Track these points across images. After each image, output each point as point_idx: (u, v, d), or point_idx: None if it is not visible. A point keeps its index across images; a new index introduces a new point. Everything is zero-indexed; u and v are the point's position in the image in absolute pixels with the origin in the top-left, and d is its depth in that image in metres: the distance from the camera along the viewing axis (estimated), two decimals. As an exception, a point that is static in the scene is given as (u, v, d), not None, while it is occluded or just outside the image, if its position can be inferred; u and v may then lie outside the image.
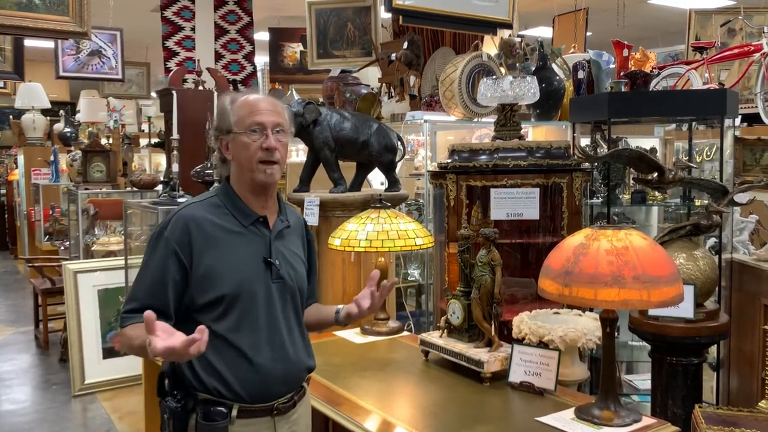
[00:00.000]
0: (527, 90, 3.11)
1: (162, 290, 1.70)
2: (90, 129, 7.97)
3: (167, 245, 1.71)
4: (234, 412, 1.71)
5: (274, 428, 1.77)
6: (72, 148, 7.36)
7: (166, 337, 1.48)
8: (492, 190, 3.01)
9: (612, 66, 4.00)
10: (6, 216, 11.76)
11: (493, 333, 2.32)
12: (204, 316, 1.70)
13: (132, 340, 1.65)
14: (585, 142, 3.78)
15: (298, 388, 1.85)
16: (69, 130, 8.78)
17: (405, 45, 4.19)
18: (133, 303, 1.71)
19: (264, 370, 1.73)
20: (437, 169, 3.26)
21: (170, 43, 5.63)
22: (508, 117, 3.20)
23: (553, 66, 4.27)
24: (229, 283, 1.71)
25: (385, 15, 4.82)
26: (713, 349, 3.19)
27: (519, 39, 3.55)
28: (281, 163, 1.78)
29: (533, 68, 4.05)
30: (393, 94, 4.31)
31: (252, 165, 1.75)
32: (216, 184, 2.07)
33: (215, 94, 4.27)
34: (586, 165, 3.18)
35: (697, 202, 3.42)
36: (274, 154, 1.75)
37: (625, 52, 3.66)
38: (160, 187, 4.82)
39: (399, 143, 3.50)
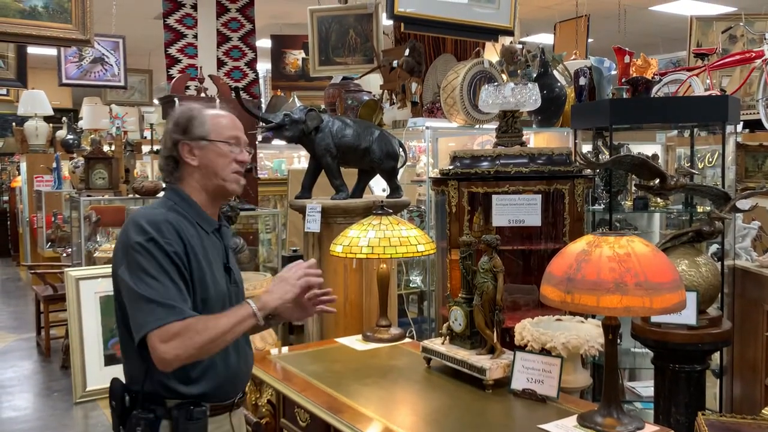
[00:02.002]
0: (529, 96, 3.11)
1: (184, 294, 1.70)
2: (92, 136, 8.00)
3: (171, 250, 1.69)
4: (207, 411, 1.79)
5: (230, 421, 1.86)
6: (74, 155, 7.38)
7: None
8: (494, 197, 3.00)
9: (613, 72, 4.00)
10: (8, 223, 11.78)
11: (495, 340, 2.32)
12: None
13: (218, 320, 1.66)
14: (587, 148, 3.78)
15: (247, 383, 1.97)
16: (71, 137, 8.80)
17: (406, 52, 4.20)
18: (173, 312, 1.64)
19: (234, 370, 1.82)
20: (439, 176, 3.26)
21: (173, 51, 5.65)
22: (509, 123, 3.20)
23: (555, 73, 4.27)
24: (209, 288, 1.77)
25: (386, 22, 4.83)
26: (716, 356, 3.17)
27: (520, 46, 3.57)
28: None
29: (534, 75, 4.06)
30: (395, 101, 4.32)
31: (226, 174, 1.81)
32: (161, 194, 2.07)
33: (217, 101, 4.28)
34: (588, 171, 3.18)
35: (699, 209, 3.42)
36: (244, 168, 1.86)
37: (627, 59, 3.66)
38: (161, 194, 4.82)
39: (401, 150, 3.51)
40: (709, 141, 4.39)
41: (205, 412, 1.75)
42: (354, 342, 2.90)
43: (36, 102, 8.93)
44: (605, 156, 3.49)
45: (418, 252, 2.84)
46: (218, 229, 1.88)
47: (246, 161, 1.84)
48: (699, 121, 3.47)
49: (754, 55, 4.21)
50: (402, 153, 3.53)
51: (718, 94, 3.62)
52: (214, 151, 1.80)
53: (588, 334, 2.41)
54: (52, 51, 7.66)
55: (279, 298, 1.73)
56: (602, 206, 3.50)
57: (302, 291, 1.76)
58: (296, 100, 6.38)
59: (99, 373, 4.69)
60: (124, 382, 1.80)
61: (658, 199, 3.37)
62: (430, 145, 4.18)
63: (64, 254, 6.94)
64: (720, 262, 3.14)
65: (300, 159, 7.34)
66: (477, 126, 4.10)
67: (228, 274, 1.85)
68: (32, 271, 6.76)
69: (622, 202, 3.55)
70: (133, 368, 1.77)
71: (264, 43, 8.00)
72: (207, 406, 1.77)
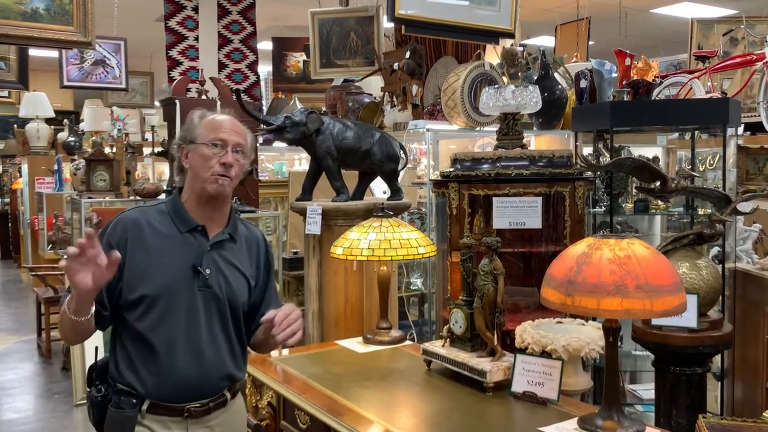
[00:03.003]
0: (530, 99, 3.11)
1: None
2: (93, 138, 8.01)
3: (105, 244, 1.74)
4: (144, 406, 1.81)
5: (186, 429, 1.84)
6: (75, 157, 7.39)
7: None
8: (494, 199, 3.00)
9: (614, 75, 4.00)
10: (9, 225, 11.79)
11: (495, 342, 2.31)
12: (129, 314, 1.81)
13: (65, 305, 1.73)
14: (587, 151, 3.78)
15: (215, 395, 1.88)
16: (73, 139, 8.81)
17: (407, 54, 4.21)
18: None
19: (175, 372, 1.80)
20: (440, 178, 3.26)
21: (174, 53, 5.65)
22: (510, 126, 3.20)
23: (556, 75, 4.28)
24: (152, 285, 1.80)
25: (387, 25, 4.84)
26: (717, 358, 3.17)
27: (521, 48, 3.57)
28: (234, 180, 1.88)
29: (535, 77, 4.06)
30: (395, 104, 4.32)
31: (206, 175, 1.83)
32: (162, 196, 2.19)
33: (219, 103, 4.28)
34: (589, 174, 3.18)
35: (700, 211, 3.41)
36: (230, 171, 1.85)
37: (628, 61, 3.66)
38: (163, 196, 4.83)
39: (401, 152, 3.51)
40: (710, 144, 4.38)
41: (135, 405, 1.79)
42: (354, 344, 2.90)
43: (37, 104, 8.95)
44: (606, 158, 3.49)
45: (418, 254, 2.84)
46: (197, 229, 1.87)
47: (228, 162, 1.83)
48: (700, 124, 3.47)
49: (755, 57, 4.21)
50: (402, 155, 3.53)
51: (719, 96, 3.61)
52: (198, 153, 1.85)
53: (588, 337, 2.41)
54: (53, 53, 7.66)
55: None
56: (603, 209, 3.50)
57: (79, 258, 1.60)
58: (297, 102, 6.38)
59: (99, 375, 4.68)
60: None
61: (659, 202, 3.37)
62: (431, 148, 4.18)
63: (65, 256, 6.93)
64: (721, 265, 3.14)
65: (301, 161, 7.34)
66: (477, 128, 4.10)
67: (197, 275, 1.83)
68: (33, 273, 6.76)
69: (623, 205, 3.54)
70: (111, 349, 1.90)
71: (265, 45, 8.01)
72: (143, 401, 1.80)
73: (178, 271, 1.82)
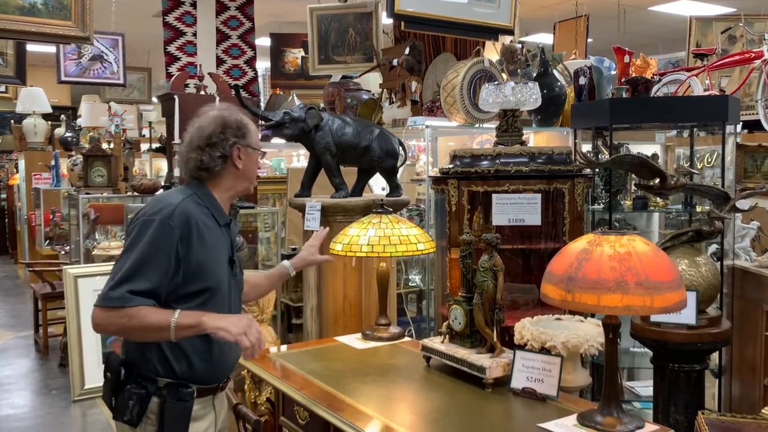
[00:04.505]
0: (529, 95, 3.11)
1: (165, 275, 1.82)
2: (91, 134, 7.99)
3: (172, 234, 1.82)
4: (195, 392, 1.92)
5: (213, 404, 2.01)
6: (73, 153, 7.36)
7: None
8: (494, 196, 3.00)
9: (613, 72, 4.00)
10: (6, 220, 11.76)
11: (495, 339, 2.32)
12: (184, 305, 1.85)
13: (145, 318, 1.77)
14: (586, 148, 3.78)
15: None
16: (70, 134, 8.78)
17: (406, 51, 4.20)
18: (138, 282, 1.78)
19: (225, 356, 1.97)
20: (439, 175, 3.26)
21: (172, 48, 5.63)
22: (509, 123, 3.20)
23: (554, 72, 4.27)
24: (212, 277, 1.91)
25: (386, 21, 4.82)
26: (715, 355, 3.18)
27: (520, 45, 3.56)
28: None
29: (534, 74, 4.06)
30: (394, 100, 4.31)
31: (253, 178, 2.07)
32: (178, 185, 2.25)
33: (217, 98, 4.27)
34: (588, 171, 3.18)
35: (699, 209, 3.42)
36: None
37: (626, 59, 3.66)
38: (160, 191, 4.81)
39: (400, 148, 3.50)
40: (708, 142, 4.39)
41: (192, 394, 1.90)
42: (353, 340, 2.90)
43: (35, 99, 8.92)
44: (605, 156, 3.49)
45: (417, 251, 2.84)
46: (228, 224, 2.03)
47: (261, 167, 2.06)
48: (699, 121, 3.48)
49: (753, 55, 4.21)
50: (402, 152, 3.52)
51: (718, 94, 3.62)
52: (253, 158, 2.05)
53: (588, 334, 2.41)
54: (51, 48, 7.65)
55: (217, 327, 1.79)
56: (602, 206, 3.50)
57: (235, 340, 1.79)
58: (295, 98, 6.37)
59: (97, 371, 4.68)
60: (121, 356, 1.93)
61: (658, 199, 3.37)
62: (430, 144, 4.18)
63: (63, 252, 6.93)
64: (719, 262, 3.15)
65: (299, 157, 7.34)
66: (477, 125, 4.10)
67: (231, 267, 2.00)
68: (30, 269, 6.75)
69: (622, 202, 3.55)
70: (129, 344, 1.92)
71: (263, 41, 7.98)
72: (194, 388, 1.90)
73: (224, 263, 1.97)
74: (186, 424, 1.88)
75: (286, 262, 2.47)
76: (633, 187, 3.60)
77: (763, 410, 2.23)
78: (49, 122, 9.52)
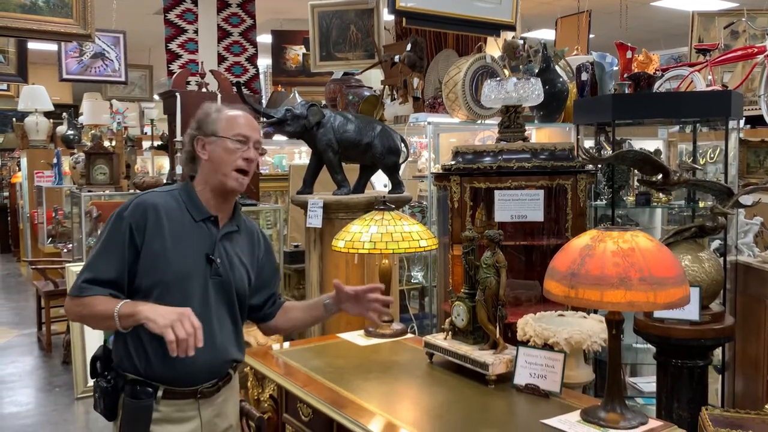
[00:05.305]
0: (531, 91, 3.10)
1: (121, 266, 1.82)
2: (93, 131, 8.00)
3: (125, 225, 1.82)
4: (159, 393, 1.85)
5: (198, 410, 1.91)
6: (75, 151, 7.38)
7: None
8: (496, 192, 3.00)
9: (615, 68, 3.99)
10: (9, 218, 11.77)
11: (498, 335, 2.31)
12: (144, 299, 1.81)
13: (94, 307, 1.77)
14: (589, 144, 3.77)
15: (223, 375, 1.98)
16: (72, 132, 8.79)
17: (408, 47, 4.19)
18: (94, 273, 1.80)
19: (190, 357, 1.76)
20: (441, 171, 3.25)
21: (173, 46, 5.63)
22: (512, 119, 3.19)
23: (557, 68, 4.27)
24: (168, 271, 1.83)
25: (388, 17, 4.82)
26: (718, 351, 3.17)
27: (522, 41, 3.55)
28: (250, 175, 1.95)
29: (536, 70, 4.05)
30: (396, 97, 4.31)
31: (227, 170, 1.89)
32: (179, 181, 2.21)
33: (219, 96, 4.27)
34: (591, 167, 3.17)
35: (702, 204, 3.41)
36: (251, 166, 1.92)
37: (629, 54, 3.66)
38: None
39: (402, 145, 3.50)
40: (710, 137, 4.38)
41: (150, 393, 1.84)
42: (356, 337, 2.90)
43: (36, 97, 8.92)
44: (608, 151, 3.48)
45: (420, 247, 2.83)
46: (210, 220, 1.93)
47: (252, 157, 1.91)
48: (702, 117, 3.46)
49: (756, 50, 4.19)
50: (404, 148, 3.52)
51: (721, 89, 3.60)
52: (221, 146, 1.89)
53: (591, 330, 2.41)
54: (52, 46, 7.64)
55: (150, 317, 1.68)
56: (605, 202, 3.50)
57: (161, 332, 1.67)
58: (297, 95, 6.36)
59: (100, 369, 4.69)
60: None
61: (661, 195, 3.37)
62: (432, 141, 4.17)
63: (65, 250, 6.94)
64: (722, 258, 3.14)
65: (301, 154, 7.33)
66: (479, 121, 4.09)
67: (209, 264, 1.89)
68: (33, 267, 6.76)
69: (625, 198, 3.54)
70: (115, 340, 1.91)
71: (264, 38, 7.98)
72: (158, 388, 1.85)
73: (192, 259, 1.88)
74: (145, 424, 1.83)
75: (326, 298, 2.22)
76: (636, 183, 3.59)
77: (766, 406, 2.23)
78: (51, 120, 9.53)
